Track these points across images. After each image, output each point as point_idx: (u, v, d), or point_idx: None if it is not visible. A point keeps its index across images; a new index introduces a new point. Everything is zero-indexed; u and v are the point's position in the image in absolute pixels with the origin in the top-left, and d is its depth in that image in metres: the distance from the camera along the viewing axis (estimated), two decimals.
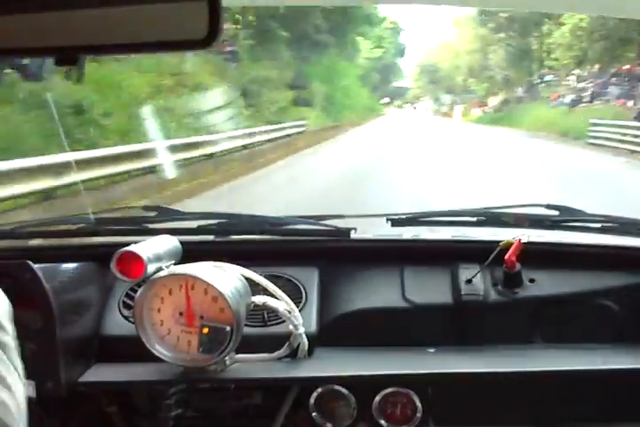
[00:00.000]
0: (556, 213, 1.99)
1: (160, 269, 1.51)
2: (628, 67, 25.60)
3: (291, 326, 1.61)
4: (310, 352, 1.66)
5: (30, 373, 1.14)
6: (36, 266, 1.55)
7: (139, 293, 1.54)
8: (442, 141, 23.05)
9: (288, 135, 21.52)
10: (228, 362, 1.55)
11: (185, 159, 12.85)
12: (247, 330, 1.56)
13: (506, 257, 1.80)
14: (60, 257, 1.79)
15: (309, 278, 1.85)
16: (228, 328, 1.47)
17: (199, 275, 1.49)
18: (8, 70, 11.32)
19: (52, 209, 7.92)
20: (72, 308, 1.65)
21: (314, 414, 1.63)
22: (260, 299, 1.61)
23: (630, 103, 23.51)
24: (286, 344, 1.61)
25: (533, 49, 40.31)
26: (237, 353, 1.57)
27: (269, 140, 19.23)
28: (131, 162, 10.87)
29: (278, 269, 1.85)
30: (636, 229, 1.94)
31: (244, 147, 16.88)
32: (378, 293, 1.87)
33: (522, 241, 1.79)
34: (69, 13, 0.92)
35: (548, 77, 36.67)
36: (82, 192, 7.04)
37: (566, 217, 1.98)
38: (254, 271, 1.64)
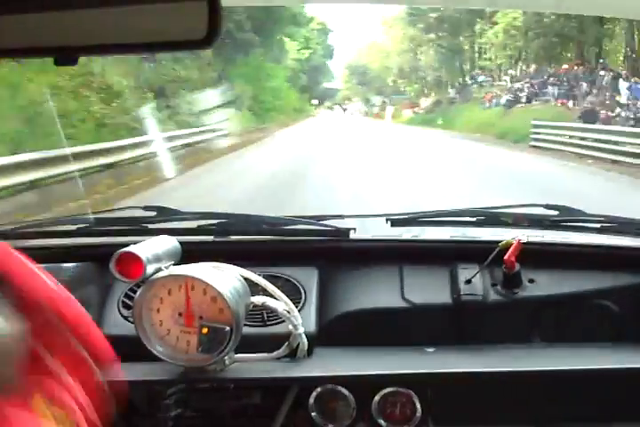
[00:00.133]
0: (556, 212, 2.02)
1: (159, 269, 1.52)
2: (566, 66, 24.76)
3: (290, 326, 1.61)
4: (310, 352, 1.66)
5: None
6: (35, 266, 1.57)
7: (138, 293, 1.54)
8: (369, 144, 22.29)
9: (208, 139, 19.86)
10: (227, 362, 1.55)
11: (82, 170, 11.26)
12: (247, 330, 1.57)
13: (505, 257, 1.80)
14: (60, 257, 1.81)
15: (309, 279, 1.87)
16: (228, 328, 1.47)
17: (198, 275, 1.49)
18: None
19: None
20: None
21: (313, 413, 1.63)
22: (259, 299, 1.61)
23: (571, 103, 22.52)
24: (285, 344, 1.61)
25: (465, 49, 40.18)
26: (237, 353, 1.57)
27: (187, 145, 17.58)
28: (15, 174, 9.38)
29: (277, 270, 1.86)
30: (634, 229, 1.96)
31: (155, 154, 14.93)
32: (377, 293, 1.88)
33: (521, 241, 1.80)
34: (69, 13, 0.94)
35: (480, 78, 36.10)
36: None
37: (565, 217, 2.01)
38: (253, 272, 1.64)
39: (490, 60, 35.28)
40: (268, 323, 1.72)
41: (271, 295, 1.63)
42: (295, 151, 18.01)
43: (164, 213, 2.05)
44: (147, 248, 1.50)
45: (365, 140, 24.03)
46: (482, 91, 33.63)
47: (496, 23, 31.86)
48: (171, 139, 16.19)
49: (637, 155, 14.13)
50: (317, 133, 28.14)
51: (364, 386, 1.61)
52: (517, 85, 28.27)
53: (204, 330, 1.48)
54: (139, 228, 1.99)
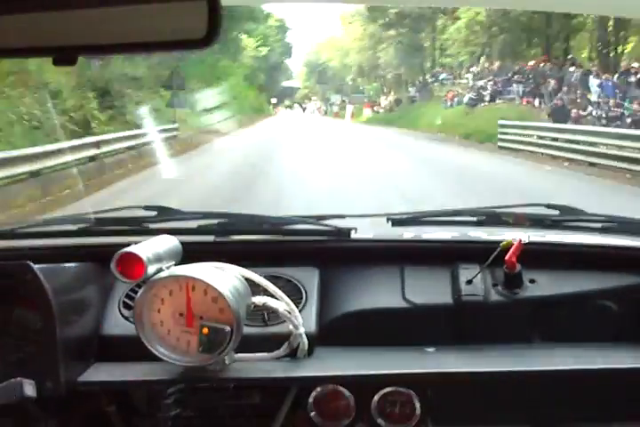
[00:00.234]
0: (557, 212, 2.03)
1: (160, 269, 1.52)
2: (532, 63, 23.86)
3: (291, 326, 1.62)
4: (310, 352, 1.67)
5: (30, 372, 1.45)
6: (36, 266, 1.56)
7: (139, 293, 1.54)
8: (326, 144, 21.40)
9: (154, 141, 17.86)
10: (227, 361, 1.55)
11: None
12: (248, 330, 1.57)
13: (506, 258, 1.80)
14: (61, 257, 1.80)
15: (309, 279, 1.87)
16: (228, 328, 1.48)
17: (199, 276, 1.49)
18: None
19: None
20: (72, 308, 1.66)
21: (313, 413, 1.64)
22: (260, 299, 1.62)
23: (537, 102, 21.64)
24: (286, 344, 1.62)
25: (426, 46, 39.29)
26: (237, 353, 1.57)
27: (130, 148, 15.95)
28: None
29: (278, 270, 1.87)
30: (636, 229, 1.99)
31: (92, 158, 13.59)
32: (378, 293, 1.87)
33: (522, 241, 1.80)
34: (69, 13, 0.94)
35: (442, 76, 35.20)
36: None
37: (566, 217, 2.02)
38: (254, 272, 1.64)
39: (452, 56, 34.66)
40: (269, 323, 1.71)
41: (272, 295, 1.63)
42: (247, 158, 16.47)
43: (165, 212, 2.06)
44: (148, 248, 1.50)
45: (321, 142, 22.83)
46: (443, 89, 32.73)
47: (458, 18, 30.89)
48: (108, 142, 14.75)
49: (622, 158, 13.13)
50: (275, 135, 26.76)
51: (363, 386, 1.62)
52: (480, 83, 27.17)
53: (205, 330, 1.48)
54: (139, 228, 1.99)
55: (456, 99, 28.62)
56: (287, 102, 66.45)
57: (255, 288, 1.61)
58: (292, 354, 1.62)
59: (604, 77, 18.81)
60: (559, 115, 18.47)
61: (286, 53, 61.40)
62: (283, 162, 15.56)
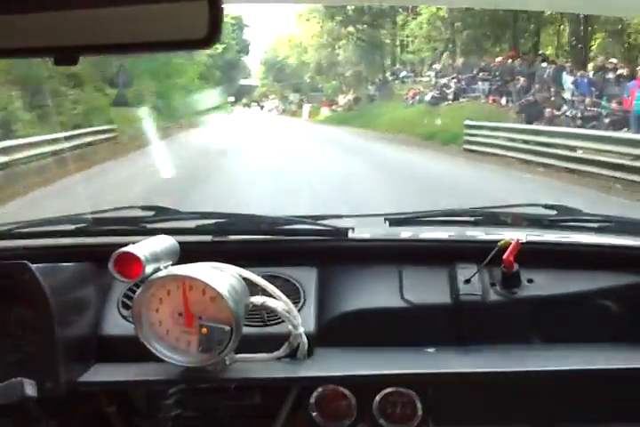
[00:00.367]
0: (554, 212, 2.03)
1: (158, 269, 1.52)
2: (500, 59, 22.68)
3: (290, 326, 1.62)
4: (310, 352, 1.67)
5: (29, 372, 1.42)
6: (34, 266, 1.56)
7: (137, 293, 1.54)
8: (274, 144, 20.45)
9: (87, 144, 16.47)
10: (227, 362, 1.55)
11: None
12: (247, 330, 1.57)
13: (504, 257, 1.80)
14: (58, 257, 1.80)
15: (307, 278, 1.87)
16: (227, 328, 1.48)
17: (197, 275, 1.49)
18: None
19: None
20: (71, 308, 1.66)
21: (314, 414, 1.64)
22: (258, 299, 1.61)
23: (504, 100, 20.38)
24: (286, 344, 1.62)
25: (386, 43, 38.46)
26: (237, 353, 1.57)
27: (54, 153, 14.11)
28: None
29: (276, 270, 1.87)
30: (633, 229, 1.99)
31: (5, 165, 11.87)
32: (376, 293, 1.88)
33: (520, 241, 1.80)
34: (69, 13, 0.95)
35: (402, 73, 34.22)
36: None
37: (564, 216, 2.02)
38: (252, 272, 1.65)
39: (413, 53, 33.89)
40: (268, 323, 1.71)
41: (270, 295, 1.63)
42: (191, 160, 15.07)
43: (163, 212, 2.06)
44: (145, 248, 1.50)
45: (269, 142, 21.77)
46: (404, 87, 31.57)
47: (419, 14, 30.19)
48: (31, 145, 13.23)
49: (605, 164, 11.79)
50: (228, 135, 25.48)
51: (364, 386, 1.62)
52: (443, 81, 26.06)
53: (204, 330, 1.48)
54: (137, 228, 1.99)
55: (417, 97, 27.54)
56: (245, 101, 65.52)
57: (253, 288, 1.61)
58: (292, 354, 1.62)
59: (579, 74, 17.57)
60: (530, 113, 17.25)
61: (244, 51, 60.75)
62: (224, 162, 15.03)
